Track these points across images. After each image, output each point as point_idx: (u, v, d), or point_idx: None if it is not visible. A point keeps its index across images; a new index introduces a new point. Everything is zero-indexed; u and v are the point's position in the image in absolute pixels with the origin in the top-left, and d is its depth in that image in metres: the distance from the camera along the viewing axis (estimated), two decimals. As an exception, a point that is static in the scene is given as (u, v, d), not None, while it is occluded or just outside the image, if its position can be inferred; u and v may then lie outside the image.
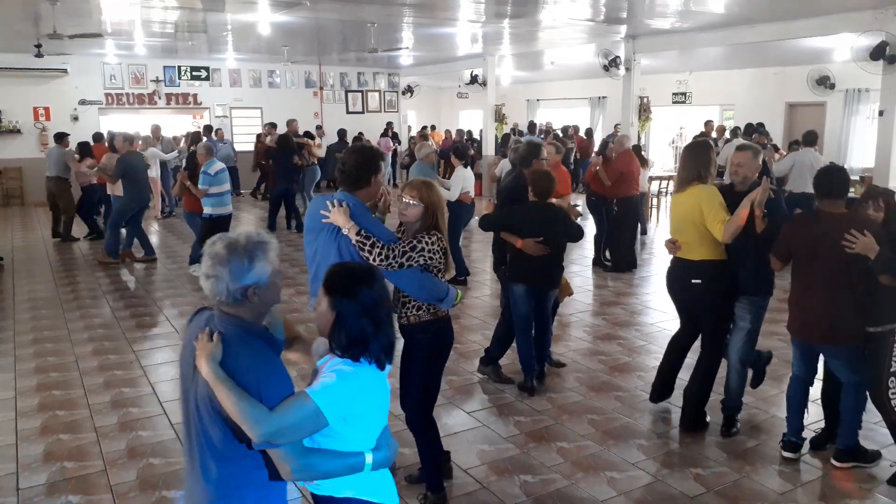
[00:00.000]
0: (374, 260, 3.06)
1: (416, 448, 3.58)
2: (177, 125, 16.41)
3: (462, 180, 7.87)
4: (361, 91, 19.50)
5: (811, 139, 9.27)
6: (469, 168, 8.25)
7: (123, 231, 9.42)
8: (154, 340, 6.17)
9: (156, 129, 13.69)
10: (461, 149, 8.50)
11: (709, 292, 4.13)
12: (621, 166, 8.45)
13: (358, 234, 3.08)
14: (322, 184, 14.13)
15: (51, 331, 6.38)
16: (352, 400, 1.97)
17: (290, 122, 13.87)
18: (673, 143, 17.86)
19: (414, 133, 18.74)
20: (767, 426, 4.41)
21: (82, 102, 15.41)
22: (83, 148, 10.77)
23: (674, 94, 17.26)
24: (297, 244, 10.50)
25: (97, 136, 12.01)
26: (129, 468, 3.90)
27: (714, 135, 12.94)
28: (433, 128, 19.64)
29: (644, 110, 13.49)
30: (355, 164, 3.25)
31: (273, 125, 14.80)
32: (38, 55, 10.93)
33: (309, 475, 1.98)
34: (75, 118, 15.10)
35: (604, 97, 18.69)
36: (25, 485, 3.75)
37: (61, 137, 11.10)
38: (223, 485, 1.95)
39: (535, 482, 3.77)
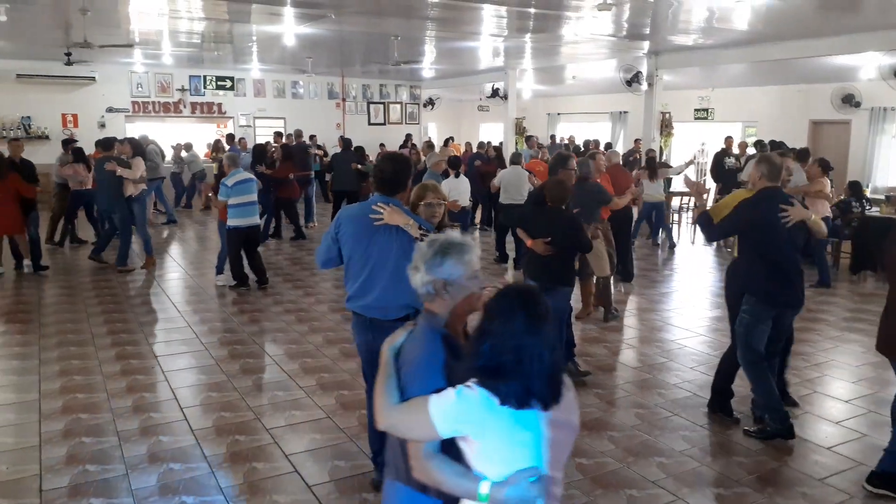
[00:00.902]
0: None
1: None
2: (201, 134, 16.64)
3: (456, 189, 8.70)
4: (383, 103, 19.66)
5: (804, 156, 9.27)
6: (460, 178, 9.13)
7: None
8: (175, 346, 6.22)
9: (143, 138, 13.59)
10: (453, 160, 9.31)
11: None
12: (611, 179, 8.54)
13: (419, 228, 3.26)
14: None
15: (75, 334, 6.47)
16: (466, 423, 1.84)
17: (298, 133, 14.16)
18: (694, 158, 17.76)
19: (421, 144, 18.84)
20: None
21: (109, 110, 15.72)
22: (76, 153, 10.45)
23: (696, 110, 17.18)
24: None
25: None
26: (150, 473, 3.93)
27: (736, 150, 12.85)
28: (452, 139, 19.71)
29: (666, 126, 13.46)
30: (392, 171, 3.45)
31: (279, 134, 14.96)
32: (68, 63, 11.16)
33: (426, 478, 1.92)
34: (102, 125, 15.37)
35: (625, 112, 18.65)
36: (48, 486, 3.79)
37: (66, 144, 11.14)
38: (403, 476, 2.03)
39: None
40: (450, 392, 1.85)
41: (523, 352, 1.81)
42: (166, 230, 12.67)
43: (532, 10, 9.12)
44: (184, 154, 14.56)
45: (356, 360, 5.74)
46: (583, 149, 16.38)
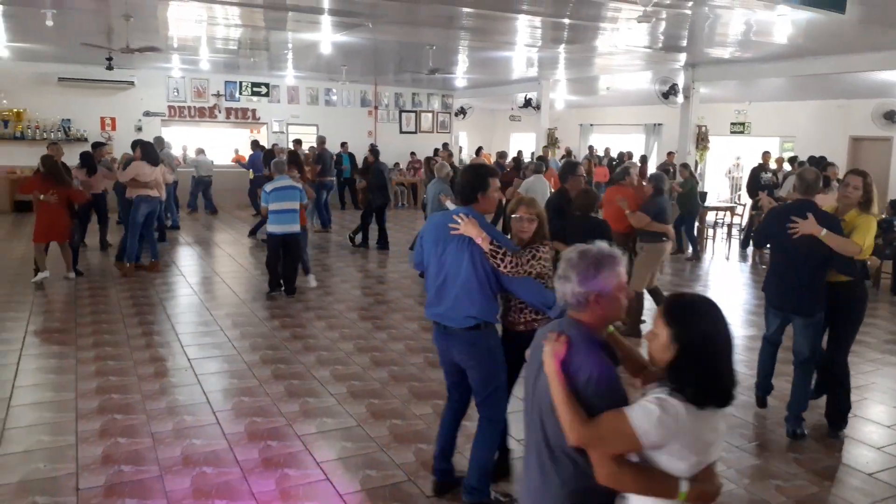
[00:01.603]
0: (505, 267, 3.32)
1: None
2: (235, 139, 16.86)
3: None
4: (415, 111, 19.72)
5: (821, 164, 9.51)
6: None
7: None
8: (208, 350, 6.27)
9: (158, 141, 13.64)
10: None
11: None
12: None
13: (491, 243, 3.31)
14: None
15: (110, 335, 6.56)
16: (670, 431, 1.90)
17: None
18: (729, 173, 17.56)
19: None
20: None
21: (146, 114, 15.99)
22: (82, 157, 10.44)
23: (732, 123, 16.98)
24: (336, 254, 10.65)
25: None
26: (183, 475, 3.96)
27: (773, 166, 12.66)
28: (482, 149, 19.71)
29: (702, 139, 13.31)
30: (464, 183, 3.56)
31: (297, 142, 15.15)
32: (109, 68, 11.36)
33: (619, 485, 1.99)
34: (139, 129, 15.64)
35: (659, 124, 18.51)
36: (84, 485, 3.84)
37: (95, 147, 11.25)
38: (555, 482, 2.10)
39: None
40: (648, 405, 1.92)
41: (721, 357, 1.97)
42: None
43: (567, 21, 9.09)
44: (189, 157, 14.63)
45: (387, 369, 5.79)
46: (617, 161, 16.33)
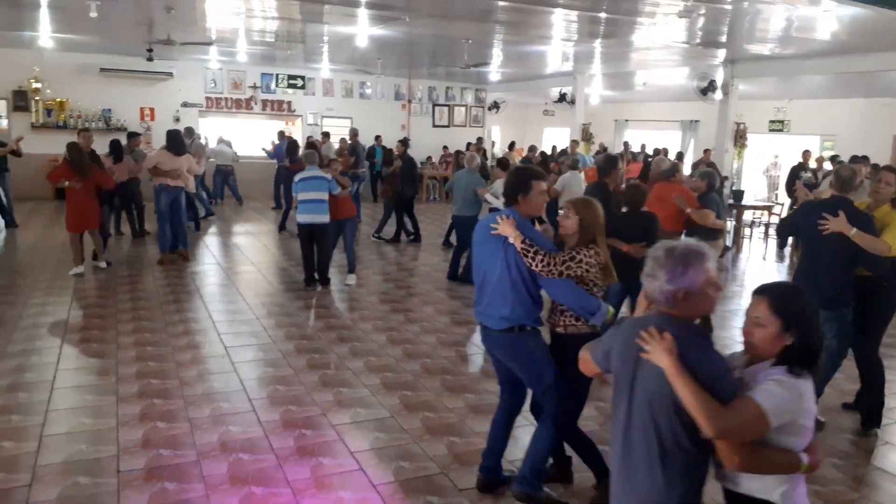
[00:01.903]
0: (536, 266, 3.31)
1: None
2: (270, 131, 17.01)
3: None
4: (448, 105, 19.71)
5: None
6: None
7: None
8: (244, 338, 6.37)
9: (188, 131, 13.59)
10: (503, 161, 9.55)
11: None
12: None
13: (523, 242, 3.33)
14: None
15: (149, 321, 6.70)
16: (793, 410, 2.07)
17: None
18: (767, 171, 17.26)
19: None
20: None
21: (184, 105, 16.24)
22: (112, 145, 10.54)
23: (771, 121, 16.65)
24: (367, 247, 10.71)
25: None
26: (220, 461, 4.03)
27: (813, 165, 12.41)
28: (514, 144, 19.65)
29: (740, 137, 13.10)
30: (507, 184, 3.59)
31: (326, 134, 15.28)
32: (149, 59, 11.56)
33: (753, 469, 2.10)
34: (177, 119, 15.87)
35: (696, 121, 18.24)
36: (125, 468, 3.93)
37: (130, 137, 11.39)
38: (666, 476, 2.14)
39: None
40: (772, 387, 2.05)
41: (818, 334, 2.17)
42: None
43: (603, 16, 9.00)
44: (210, 147, 14.60)
45: (419, 362, 5.82)
46: (651, 157, 16.13)
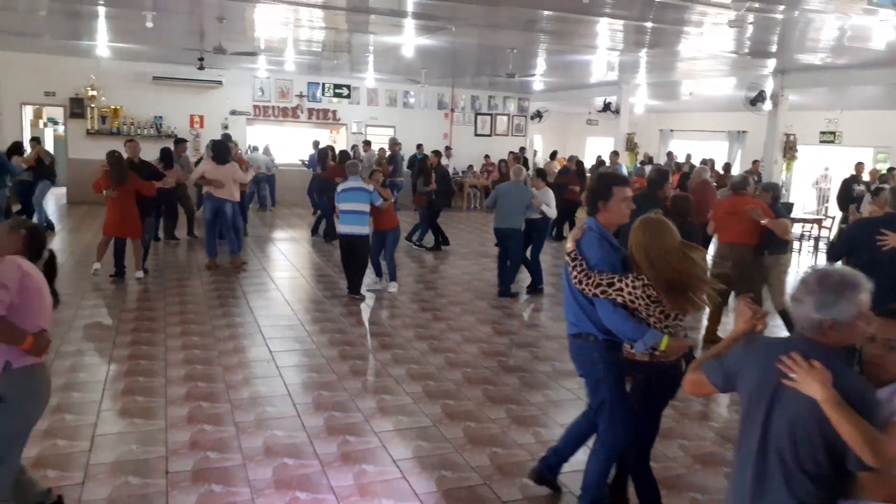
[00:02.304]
0: (574, 279, 3.28)
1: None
2: (316, 139, 17.26)
3: (551, 199, 8.82)
4: (491, 114, 19.74)
5: None
6: (544, 190, 8.97)
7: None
8: (288, 343, 6.46)
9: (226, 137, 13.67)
10: (542, 171, 9.67)
11: None
12: (696, 196, 8.36)
13: (569, 252, 3.33)
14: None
15: (197, 325, 6.84)
16: None
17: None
18: (817, 184, 16.85)
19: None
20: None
21: (233, 112, 16.60)
22: (162, 153, 10.85)
23: (822, 132, 16.25)
24: (412, 254, 10.75)
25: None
26: (265, 465, 4.09)
27: (866, 178, 12.07)
28: (556, 153, 19.56)
29: (789, 148, 12.82)
30: (588, 190, 3.52)
31: (367, 143, 15.36)
32: (200, 67, 11.85)
33: None
34: (225, 127, 16.21)
35: (744, 132, 17.91)
36: (174, 469, 4.01)
37: (176, 144, 11.74)
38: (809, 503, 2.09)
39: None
40: None
41: None
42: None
43: (649, 25, 8.92)
44: (247, 155, 14.80)
45: (460, 371, 5.83)
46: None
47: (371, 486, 3.90)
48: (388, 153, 14.98)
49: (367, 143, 15.35)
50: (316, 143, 15.61)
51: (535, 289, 8.88)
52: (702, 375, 2.40)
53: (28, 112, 16.12)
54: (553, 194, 9.03)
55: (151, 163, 9.65)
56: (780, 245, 6.56)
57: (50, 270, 3.19)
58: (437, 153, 13.34)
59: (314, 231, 12.57)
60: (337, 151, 13.35)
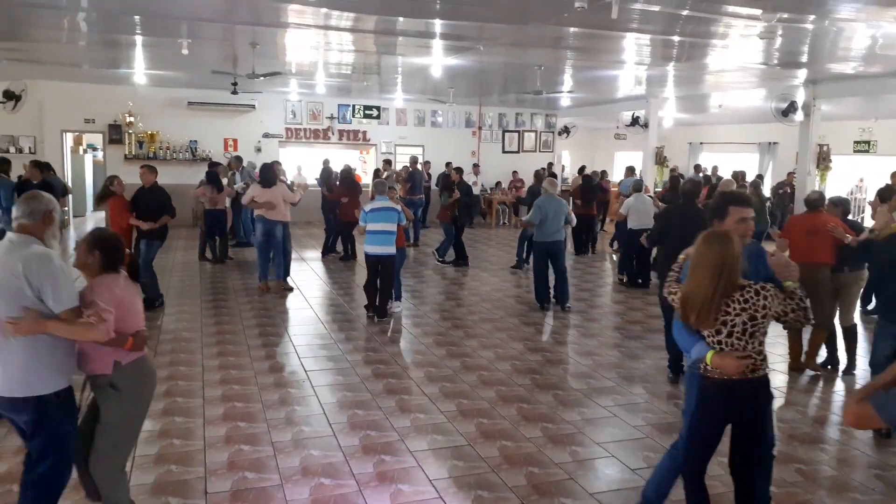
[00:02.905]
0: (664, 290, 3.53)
1: None
2: (346, 159, 17.47)
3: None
4: (518, 131, 19.80)
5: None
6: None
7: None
8: (322, 362, 6.52)
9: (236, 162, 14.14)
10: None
11: None
12: None
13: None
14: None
15: (233, 345, 6.95)
16: None
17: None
18: (852, 194, 16.54)
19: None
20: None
21: (265, 135, 16.94)
22: (209, 175, 11.53)
23: (856, 142, 16.01)
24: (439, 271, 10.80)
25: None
26: (302, 485, 4.13)
27: (904, 187, 11.80)
28: (584, 168, 19.49)
29: (823, 159, 12.64)
30: (709, 208, 3.60)
31: (387, 162, 15.65)
32: (234, 92, 12.11)
33: None
34: (258, 149, 16.56)
35: (775, 143, 17.70)
36: (212, 490, 4.07)
37: (210, 167, 12.24)
38: None
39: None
40: None
41: None
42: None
43: (677, 39, 8.91)
44: (297, 175, 15.06)
45: (494, 389, 5.83)
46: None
47: (407, 505, 3.92)
48: (408, 170, 15.18)
49: (388, 163, 15.47)
50: (325, 162, 15.56)
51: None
52: (868, 409, 2.26)
53: (69, 139, 16.59)
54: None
55: (164, 192, 8.59)
56: (859, 261, 6.30)
57: (132, 271, 3.47)
58: (458, 170, 13.49)
59: (325, 251, 12.63)
60: (338, 171, 13.39)
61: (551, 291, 8.99)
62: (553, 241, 8.70)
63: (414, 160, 15.53)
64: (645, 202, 10.28)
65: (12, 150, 14.97)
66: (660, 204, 10.66)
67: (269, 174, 9.62)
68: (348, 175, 12.26)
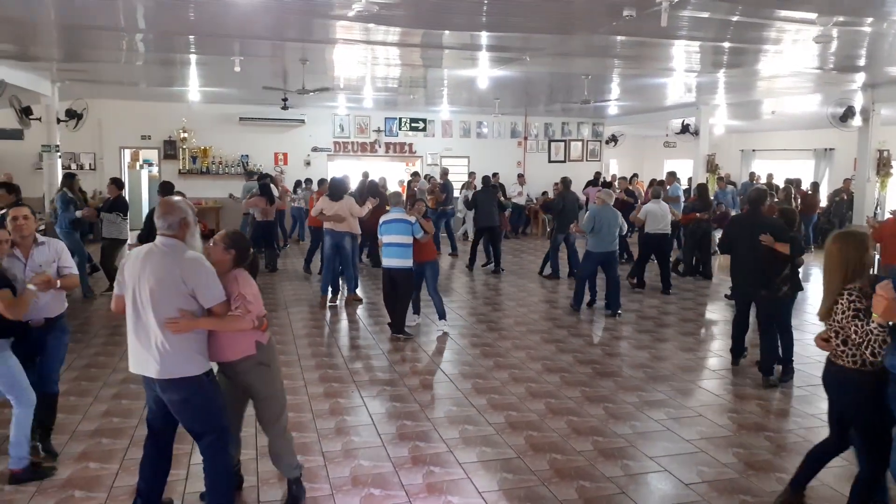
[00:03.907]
0: None
1: None
2: (391, 172, 17.68)
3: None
4: (564, 140, 19.69)
5: None
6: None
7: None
8: (372, 372, 6.57)
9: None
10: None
11: None
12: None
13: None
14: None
15: (284, 355, 7.04)
16: None
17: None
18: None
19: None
20: None
21: (314, 149, 17.26)
22: (262, 188, 12.17)
23: (919, 146, 15.40)
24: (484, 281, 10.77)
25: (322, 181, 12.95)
26: (353, 496, 4.15)
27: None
28: (637, 176, 19.22)
29: (884, 165, 12.21)
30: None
31: (416, 174, 15.75)
32: (284, 108, 12.37)
33: None
34: (308, 163, 16.86)
35: (831, 149, 17.19)
36: (265, 499, 4.13)
37: (261, 179, 12.68)
38: None
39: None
40: None
41: None
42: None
43: (727, 45, 8.74)
44: (300, 190, 15.22)
45: (543, 401, 5.78)
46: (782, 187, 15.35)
47: (457, 517, 3.91)
48: (440, 182, 15.21)
49: (416, 175, 15.46)
50: (365, 175, 15.09)
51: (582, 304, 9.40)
52: None
53: (126, 155, 17.18)
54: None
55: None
56: None
57: (253, 269, 3.90)
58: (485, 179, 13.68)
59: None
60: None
61: (587, 297, 9.47)
62: (609, 251, 9.11)
63: (445, 172, 15.68)
64: (663, 208, 10.71)
65: (73, 165, 15.60)
66: (675, 212, 11.24)
67: (340, 188, 9.63)
68: (375, 188, 12.36)
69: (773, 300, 6.22)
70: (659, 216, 10.61)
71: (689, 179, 16.18)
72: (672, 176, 14.26)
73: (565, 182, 11.99)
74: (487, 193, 12.74)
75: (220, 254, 3.70)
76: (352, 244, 9.64)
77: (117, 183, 10.26)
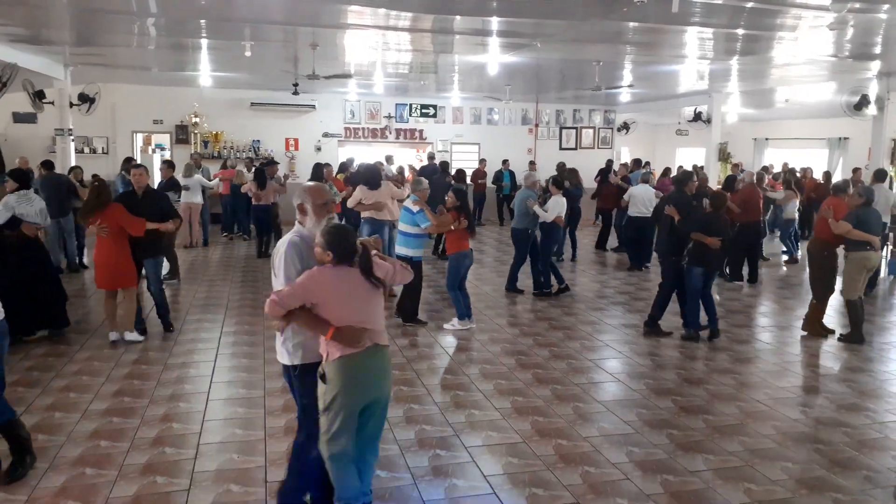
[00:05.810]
0: None
1: None
2: (401, 158, 17.68)
3: (558, 206, 9.26)
4: (576, 128, 19.60)
5: (881, 176, 10.08)
6: (564, 196, 9.58)
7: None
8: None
9: (197, 158, 13.67)
10: (558, 179, 9.83)
11: None
12: (744, 196, 10.47)
13: None
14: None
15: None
16: None
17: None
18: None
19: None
20: None
21: (325, 135, 17.28)
22: (256, 173, 12.39)
23: (934, 136, 15.22)
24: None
25: (343, 166, 13.10)
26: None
27: None
28: (648, 164, 19.11)
29: (898, 154, 12.10)
30: None
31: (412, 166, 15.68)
32: (295, 93, 12.39)
33: None
34: (318, 149, 16.90)
35: (845, 138, 17.01)
36: (272, 478, 4.17)
37: (267, 164, 12.79)
38: None
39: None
40: None
41: None
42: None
43: (741, 32, 8.66)
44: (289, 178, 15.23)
45: (549, 387, 5.79)
46: (798, 176, 15.22)
47: (462, 500, 3.94)
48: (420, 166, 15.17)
49: (412, 167, 15.33)
50: (442, 163, 14.77)
51: (560, 290, 9.53)
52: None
53: (139, 139, 17.27)
54: (565, 202, 9.47)
55: (165, 195, 7.88)
56: (854, 244, 7.24)
57: (365, 263, 3.43)
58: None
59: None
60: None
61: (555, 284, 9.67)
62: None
63: (430, 156, 15.69)
64: (648, 192, 11.20)
65: (86, 150, 15.72)
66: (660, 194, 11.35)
67: (375, 176, 9.16)
68: (375, 173, 12.20)
69: (678, 266, 7.31)
70: (642, 200, 11.12)
71: (695, 166, 16.07)
72: (637, 163, 14.64)
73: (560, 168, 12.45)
74: (437, 175, 12.78)
75: (320, 254, 3.39)
76: (391, 233, 9.13)
77: (169, 164, 10.48)
